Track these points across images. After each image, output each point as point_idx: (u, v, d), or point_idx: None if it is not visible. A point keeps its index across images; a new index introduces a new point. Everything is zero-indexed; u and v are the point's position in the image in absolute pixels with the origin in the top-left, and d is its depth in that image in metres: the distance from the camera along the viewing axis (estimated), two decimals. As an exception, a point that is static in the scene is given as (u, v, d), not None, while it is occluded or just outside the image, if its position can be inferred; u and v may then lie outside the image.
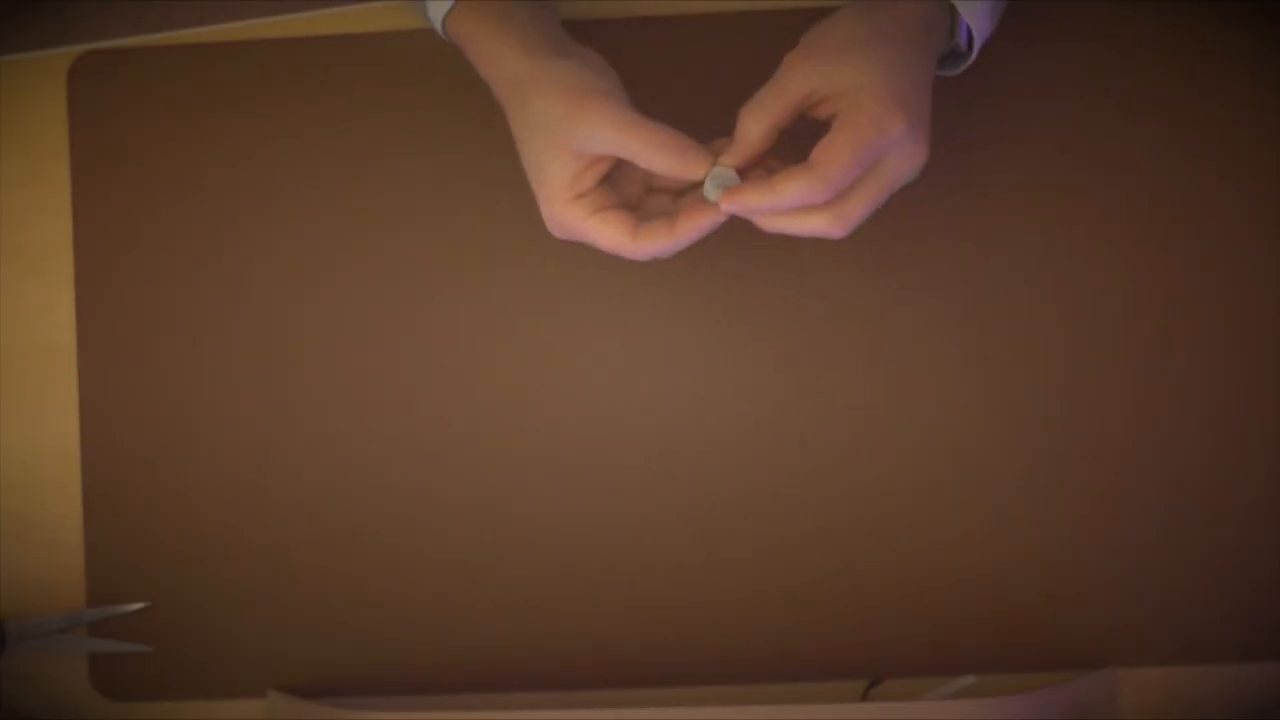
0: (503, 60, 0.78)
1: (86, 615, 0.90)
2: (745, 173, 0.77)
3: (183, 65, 0.92)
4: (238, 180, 0.91)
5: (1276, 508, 0.88)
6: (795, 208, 0.74)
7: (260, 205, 0.91)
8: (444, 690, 0.90)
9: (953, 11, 0.79)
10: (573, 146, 0.75)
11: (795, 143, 0.77)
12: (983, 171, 0.89)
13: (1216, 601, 0.88)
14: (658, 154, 0.74)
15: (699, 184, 0.77)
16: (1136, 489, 0.89)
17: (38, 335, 0.92)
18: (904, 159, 0.74)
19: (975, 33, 0.79)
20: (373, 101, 0.91)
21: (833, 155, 0.73)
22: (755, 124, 0.75)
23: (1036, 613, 0.89)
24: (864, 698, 0.89)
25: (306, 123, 0.91)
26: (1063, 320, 0.89)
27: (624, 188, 0.79)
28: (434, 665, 0.90)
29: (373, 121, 0.91)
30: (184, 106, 0.92)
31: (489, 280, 0.90)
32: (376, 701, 0.90)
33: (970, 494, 0.89)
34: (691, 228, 0.76)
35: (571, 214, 0.76)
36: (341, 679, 0.90)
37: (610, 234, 0.76)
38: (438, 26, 0.81)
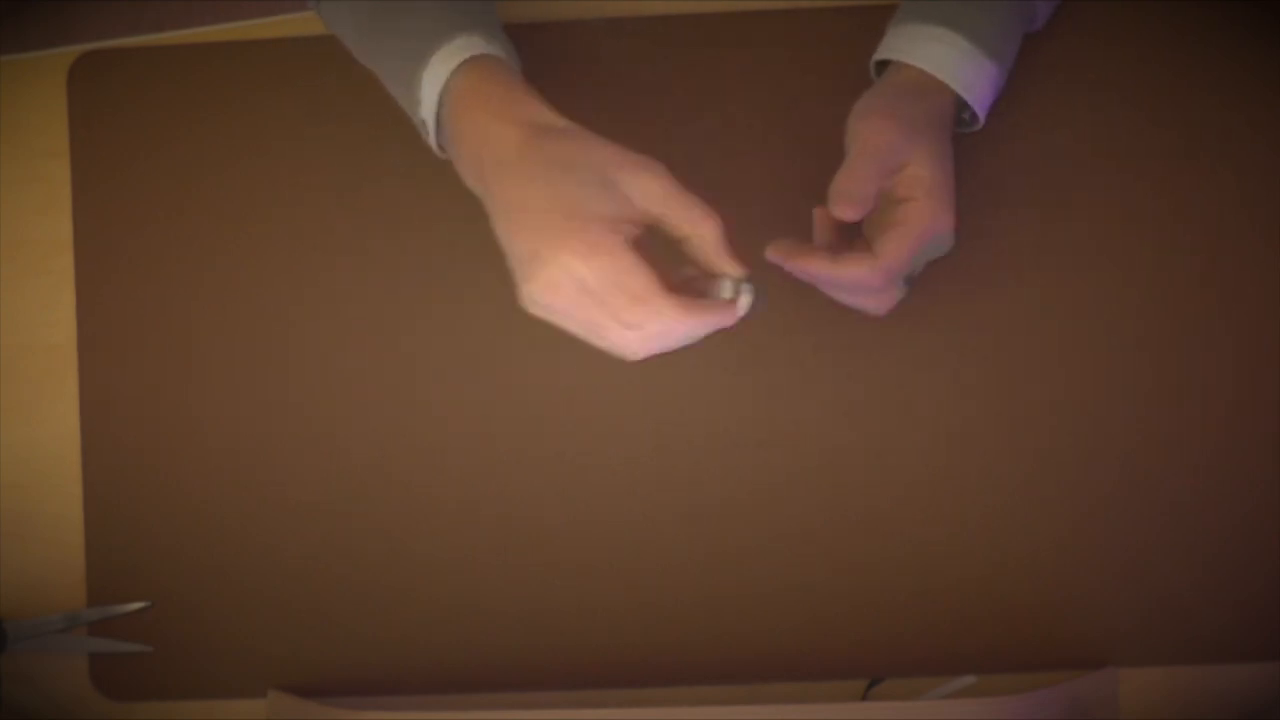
0: (530, 112, 0.73)
1: (86, 615, 0.90)
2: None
3: (183, 65, 0.92)
4: (237, 180, 0.91)
5: (1276, 508, 0.88)
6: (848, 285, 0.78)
7: (260, 205, 0.91)
8: (444, 690, 0.90)
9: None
10: (621, 186, 0.70)
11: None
12: (982, 171, 0.89)
13: (1216, 601, 0.88)
14: (708, 229, 0.71)
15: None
16: (1136, 489, 0.89)
17: (38, 335, 0.92)
18: (940, 245, 0.79)
19: (981, 114, 0.82)
20: (372, 101, 0.91)
21: (897, 250, 0.77)
22: (864, 188, 0.76)
23: (1036, 613, 0.89)
24: (864, 698, 0.89)
25: (306, 122, 0.91)
26: (1063, 321, 0.89)
27: None
28: (434, 665, 0.90)
29: (372, 121, 0.91)
30: (184, 106, 0.92)
31: (489, 280, 0.90)
32: (376, 701, 0.90)
33: (970, 494, 0.89)
34: (708, 318, 0.71)
35: (608, 239, 0.69)
36: (341, 679, 0.90)
37: (641, 276, 0.69)
38: (435, 95, 0.75)
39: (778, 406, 0.90)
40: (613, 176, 0.70)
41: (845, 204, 0.76)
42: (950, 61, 0.80)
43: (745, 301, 0.72)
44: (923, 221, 0.77)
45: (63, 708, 0.91)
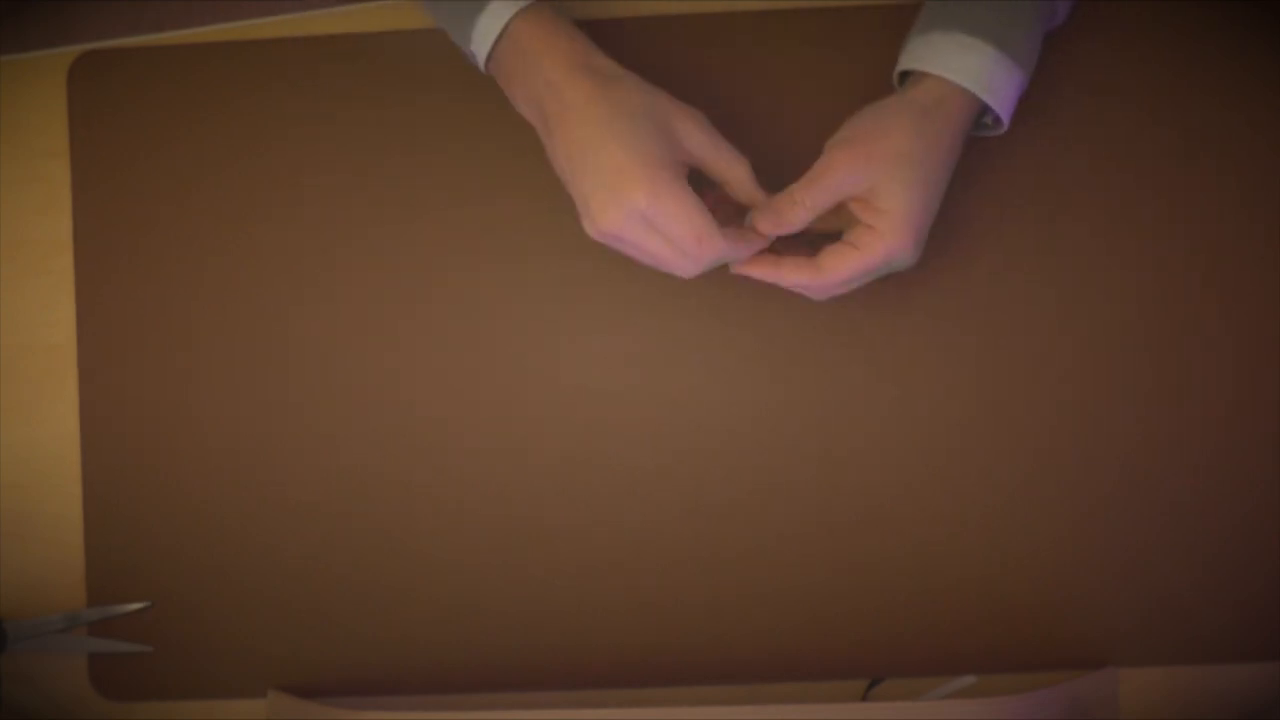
0: (587, 54, 0.79)
1: (86, 615, 0.90)
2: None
3: (182, 65, 0.92)
4: (237, 180, 0.91)
5: (1276, 508, 0.88)
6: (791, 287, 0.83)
7: (260, 205, 0.91)
8: (444, 690, 0.90)
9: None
10: (675, 132, 0.78)
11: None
12: (983, 172, 0.89)
13: (1216, 601, 0.88)
14: (742, 168, 0.80)
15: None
16: (1136, 489, 0.89)
17: (38, 335, 0.92)
18: (897, 267, 0.81)
19: (1006, 119, 0.83)
20: (372, 101, 0.91)
21: (838, 269, 0.80)
22: (797, 216, 0.80)
23: (1036, 613, 0.89)
24: (864, 698, 0.89)
25: (306, 122, 0.91)
26: (1063, 321, 0.89)
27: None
28: (434, 665, 0.90)
29: (372, 121, 0.91)
30: (184, 106, 0.92)
31: (489, 280, 0.90)
32: (376, 701, 0.90)
33: (970, 494, 0.89)
34: (757, 241, 0.80)
35: (663, 175, 0.76)
36: (341, 679, 0.90)
37: (698, 212, 0.77)
38: (496, 33, 0.80)
39: (778, 407, 0.90)
40: (669, 124, 0.78)
41: (768, 220, 0.80)
42: (976, 70, 0.80)
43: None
44: (874, 251, 0.80)
45: (63, 708, 0.91)
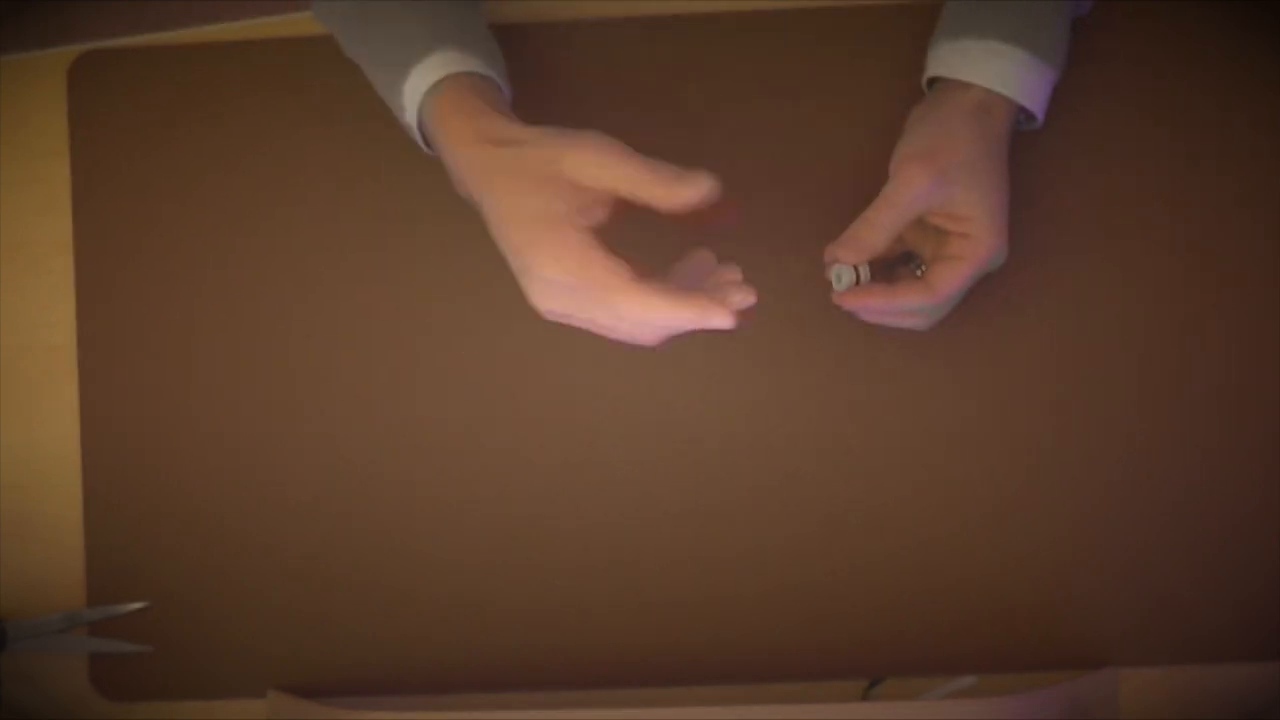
0: (487, 125, 0.74)
1: (86, 615, 0.90)
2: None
3: (183, 65, 0.92)
4: (237, 180, 0.91)
5: (1276, 508, 0.88)
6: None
7: (260, 205, 0.91)
8: (444, 690, 0.90)
9: None
10: (564, 176, 0.71)
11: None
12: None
13: (1216, 601, 0.88)
14: (648, 176, 0.70)
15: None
16: (1136, 489, 0.89)
17: (38, 336, 0.92)
18: (993, 265, 0.82)
19: (1040, 117, 0.84)
20: (372, 101, 0.91)
21: (950, 281, 0.80)
22: (879, 239, 0.79)
23: (1036, 613, 0.89)
24: (864, 698, 0.89)
25: (306, 122, 0.91)
26: (1063, 321, 0.89)
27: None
28: (434, 665, 0.90)
29: (372, 121, 0.91)
30: (184, 106, 0.92)
31: (489, 280, 0.90)
32: (376, 701, 0.90)
33: (970, 494, 0.89)
34: (703, 313, 0.71)
35: (571, 243, 0.70)
36: (341, 679, 0.90)
37: (605, 270, 0.70)
38: (414, 107, 0.78)
39: (778, 407, 0.90)
40: (558, 171, 0.71)
41: (850, 250, 0.80)
42: (1014, 77, 0.81)
43: (841, 285, 0.81)
44: (977, 255, 0.81)
45: (63, 708, 0.91)
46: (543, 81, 0.90)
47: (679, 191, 0.70)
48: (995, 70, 0.81)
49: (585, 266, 0.70)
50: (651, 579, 0.90)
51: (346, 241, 0.91)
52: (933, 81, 0.85)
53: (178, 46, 0.92)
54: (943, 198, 0.80)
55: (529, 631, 0.90)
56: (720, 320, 0.70)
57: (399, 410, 0.90)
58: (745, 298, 0.71)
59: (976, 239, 0.80)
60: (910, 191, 0.79)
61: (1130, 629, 0.88)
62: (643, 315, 0.70)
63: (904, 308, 0.81)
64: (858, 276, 0.81)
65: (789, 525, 0.89)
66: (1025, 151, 0.89)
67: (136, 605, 0.91)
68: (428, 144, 0.80)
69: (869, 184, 0.89)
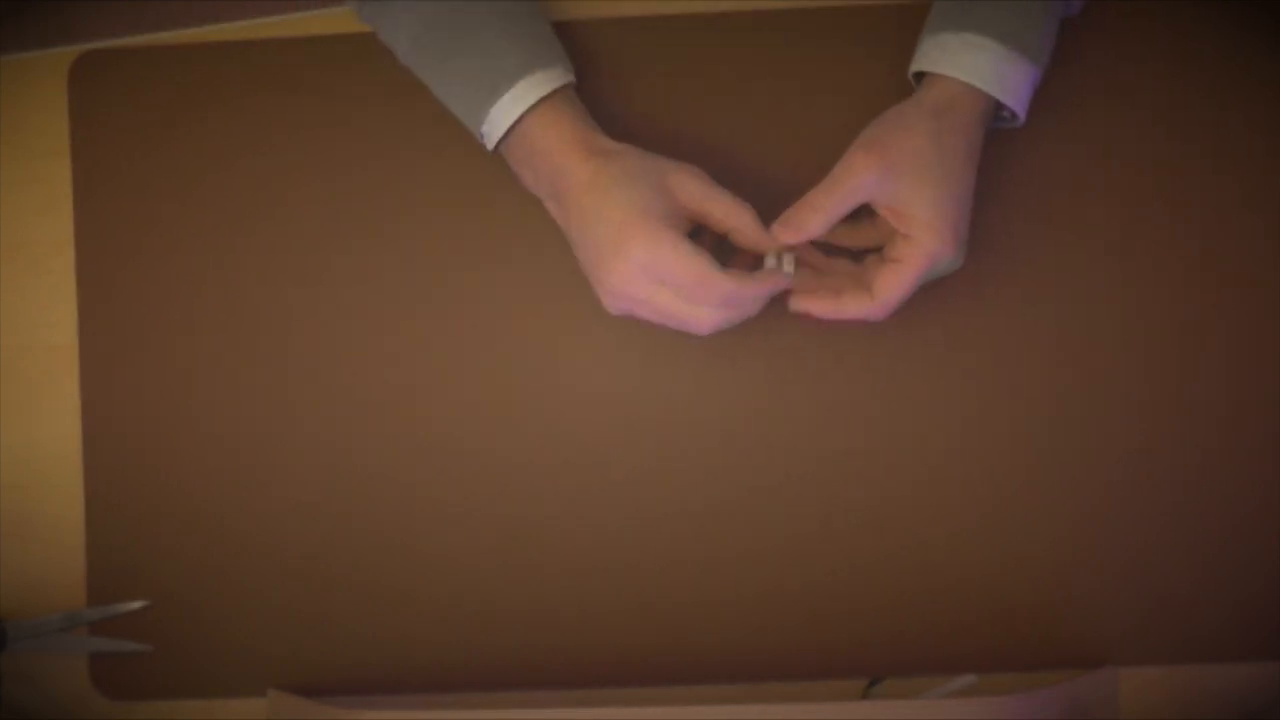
0: (587, 141, 0.82)
1: (86, 615, 0.90)
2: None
3: (183, 65, 0.92)
4: (238, 179, 0.91)
5: (1276, 508, 0.88)
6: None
7: (260, 205, 0.91)
8: (444, 690, 0.90)
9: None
10: (669, 188, 0.80)
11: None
12: (981, 173, 0.89)
13: (1216, 601, 0.88)
14: (741, 213, 0.81)
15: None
16: (1136, 489, 0.89)
17: (38, 335, 0.92)
18: (944, 269, 0.82)
19: (1022, 114, 0.84)
20: (372, 101, 0.91)
21: (893, 287, 0.81)
22: (816, 222, 0.81)
23: (1036, 613, 0.89)
24: (864, 697, 0.89)
25: (306, 122, 0.91)
26: (1062, 321, 0.89)
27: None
28: (434, 665, 0.90)
29: (372, 121, 0.91)
30: (184, 106, 0.92)
31: (490, 280, 0.90)
32: (376, 701, 0.90)
33: (970, 494, 0.89)
34: (765, 284, 0.81)
35: (666, 233, 0.79)
36: (341, 679, 0.90)
37: (697, 259, 0.79)
38: (503, 128, 0.83)
39: (778, 407, 0.90)
40: (664, 181, 0.81)
41: (789, 230, 0.81)
42: (986, 67, 0.81)
43: (790, 267, 0.83)
44: (916, 260, 0.80)
45: (63, 708, 0.91)
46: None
47: (762, 242, 0.81)
48: (970, 63, 0.81)
49: (679, 255, 0.79)
50: (651, 579, 0.90)
51: (347, 241, 0.91)
52: (920, 77, 0.85)
53: (178, 46, 0.92)
54: (889, 192, 0.80)
55: (529, 631, 0.90)
56: (782, 282, 0.81)
57: (399, 410, 0.90)
58: (790, 265, 0.83)
59: (917, 243, 0.80)
60: (853, 179, 0.80)
61: (1130, 629, 0.88)
62: (726, 297, 0.79)
63: (848, 316, 0.82)
64: (790, 262, 0.83)
65: (789, 525, 0.89)
66: (1020, 152, 0.89)
67: (136, 605, 0.91)
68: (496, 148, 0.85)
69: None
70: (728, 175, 0.89)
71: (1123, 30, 0.89)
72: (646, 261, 0.79)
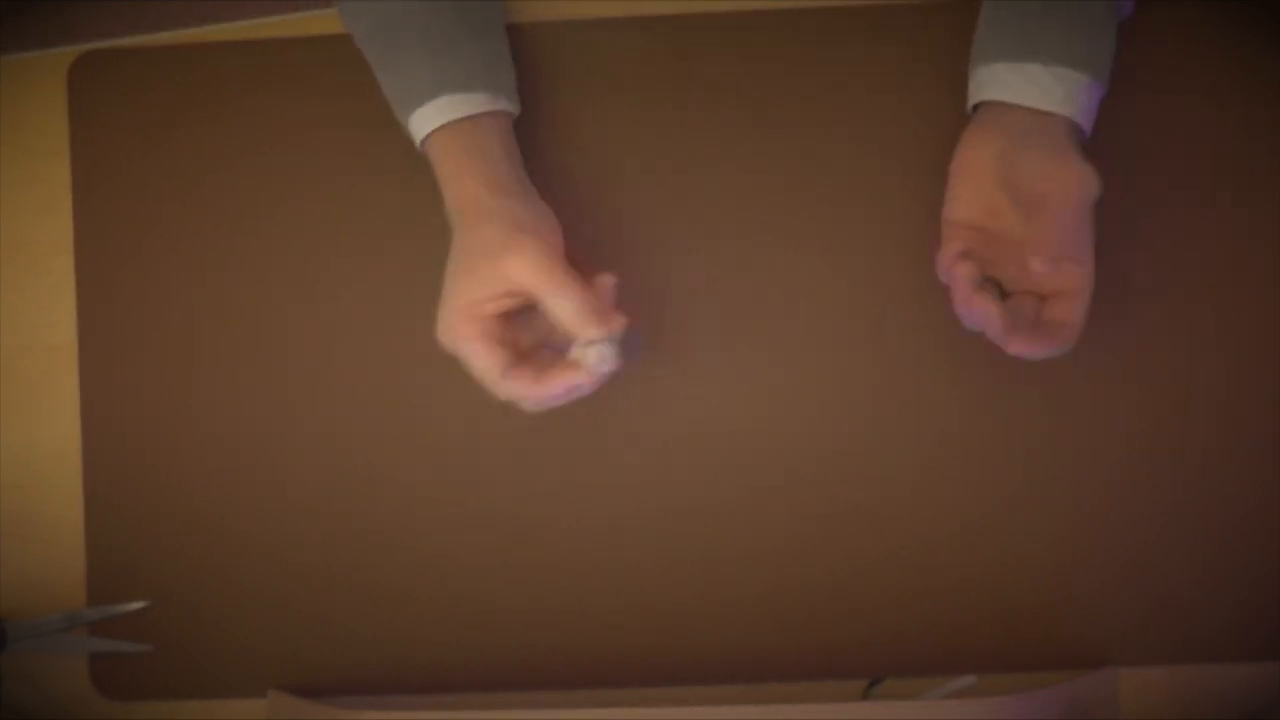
0: (465, 187, 0.82)
1: (86, 615, 0.90)
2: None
3: (183, 65, 0.92)
4: (238, 180, 0.91)
5: (1276, 508, 0.88)
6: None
7: (260, 205, 0.91)
8: (444, 690, 0.90)
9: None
10: (495, 273, 0.80)
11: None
12: (983, 171, 0.89)
13: (1216, 601, 0.88)
14: (565, 302, 0.79)
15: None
16: (1136, 489, 0.89)
17: (38, 336, 0.92)
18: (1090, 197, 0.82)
19: (1088, 131, 0.84)
20: (372, 101, 0.91)
21: (1079, 316, 0.81)
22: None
23: (1036, 613, 0.89)
24: (864, 697, 0.89)
25: (306, 122, 0.91)
26: (1063, 320, 0.89)
27: (520, 336, 0.82)
28: (434, 665, 0.90)
29: (372, 121, 0.91)
30: (184, 106, 0.92)
31: (489, 280, 0.90)
32: (376, 701, 0.90)
33: (970, 494, 0.89)
34: (555, 383, 0.80)
35: (462, 328, 0.80)
36: (341, 679, 0.90)
37: (483, 361, 0.80)
38: (417, 140, 0.85)
39: (778, 406, 0.90)
40: (497, 266, 0.80)
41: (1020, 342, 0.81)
42: (1075, 99, 0.81)
43: (602, 362, 0.79)
44: (1085, 289, 0.81)
45: (63, 708, 0.91)
46: (542, 81, 0.90)
47: (580, 328, 0.79)
48: (1061, 94, 0.81)
49: (471, 356, 0.80)
50: (652, 579, 0.90)
51: (347, 241, 0.91)
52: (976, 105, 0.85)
53: (178, 46, 0.92)
54: (1046, 267, 0.81)
55: (529, 631, 0.90)
56: (580, 379, 0.79)
57: (399, 410, 0.90)
58: (600, 361, 0.79)
59: (1076, 270, 0.81)
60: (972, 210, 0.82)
61: (1130, 629, 0.88)
62: (512, 397, 0.81)
63: (1052, 351, 0.81)
64: (597, 352, 0.80)
65: (789, 525, 0.89)
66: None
67: (136, 605, 0.91)
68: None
69: (870, 184, 0.89)
70: (727, 175, 0.89)
71: (1122, 31, 0.89)
72: (449, 334, 0.81)
